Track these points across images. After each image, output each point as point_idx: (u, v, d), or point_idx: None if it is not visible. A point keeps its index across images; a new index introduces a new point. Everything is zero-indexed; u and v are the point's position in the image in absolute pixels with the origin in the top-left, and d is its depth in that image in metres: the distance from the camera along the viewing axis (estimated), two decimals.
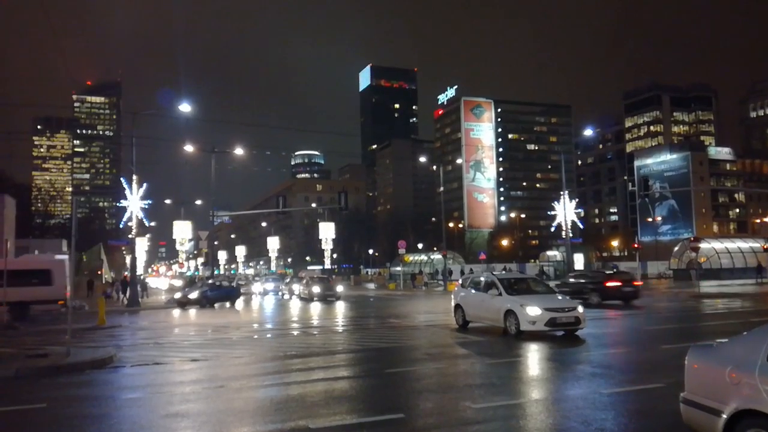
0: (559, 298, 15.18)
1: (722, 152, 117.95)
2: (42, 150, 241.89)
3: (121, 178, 34.23)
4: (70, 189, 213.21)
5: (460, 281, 18.98)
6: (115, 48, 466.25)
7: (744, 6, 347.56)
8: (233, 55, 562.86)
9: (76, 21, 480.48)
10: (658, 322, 18.51)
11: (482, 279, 16.71)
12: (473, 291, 16.60)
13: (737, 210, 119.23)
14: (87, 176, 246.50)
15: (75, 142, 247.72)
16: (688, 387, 5.22)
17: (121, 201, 32.08)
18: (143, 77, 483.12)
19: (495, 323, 15.21)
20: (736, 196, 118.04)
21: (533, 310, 13.89)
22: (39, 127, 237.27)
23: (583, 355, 11.99)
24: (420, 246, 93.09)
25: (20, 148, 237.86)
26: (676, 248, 52.50)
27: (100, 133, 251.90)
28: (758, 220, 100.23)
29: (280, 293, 43.88)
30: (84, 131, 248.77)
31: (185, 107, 31.21)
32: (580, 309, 14.25)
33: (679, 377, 9.32)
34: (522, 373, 10.53)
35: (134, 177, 31.42)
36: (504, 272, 31.37)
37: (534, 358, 11.91)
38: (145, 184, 31.60)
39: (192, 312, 28.07)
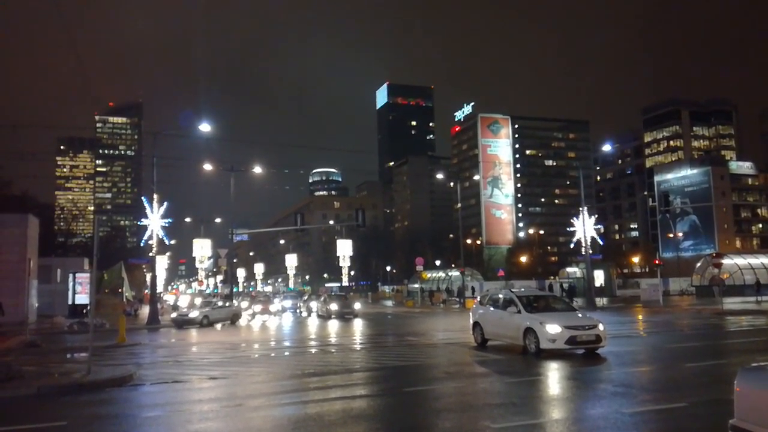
0: (579, 315, 14.91)
1: (744, 167, 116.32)
2: (65, 170, 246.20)
3: (142, 198, 34.61)
4: (92, 208, 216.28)
5: (479, 299, 18.83)
6: (137, 69, 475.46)
7: (763, 19, 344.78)
8: (252, 74, 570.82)
9: (98, 43, 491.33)
10: (682, 339, 18.20)
11: (501, 296, 16.50)
12: (492, 308, 16.42)
13: (760, 225, 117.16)
14: (109, 195, 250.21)
15: (97, 162, 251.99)
16: (738, 413, 4.81)
17: (142, 220, 32.42)
18: (164, 97, 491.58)
19: (514, 341, 15.03)
20: (758, 211, 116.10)
21: (553, 328, 13.68)
22: (62, 147, 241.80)
23: (604, 374, 11.81)
24: (438, 263, 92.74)
25: (44, 168, 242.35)
26: (699, 264, 51.82)
27: (122, 153, 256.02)
28: None
29: (297, 311, 43.90)
30: (106, 151, 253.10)
31: (205, 127, 31.61)
32: (601, 327, 14.00)
33: (703, 396, 9.19)
34: (542, 392, 10.40)
35: (155, 196, 31.80)
36: (525, 289, 31.11)
37: (554, 377, 11.76)
38: (165, 203, 31.95)
39: (211, 329, 28.17)
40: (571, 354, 14.17)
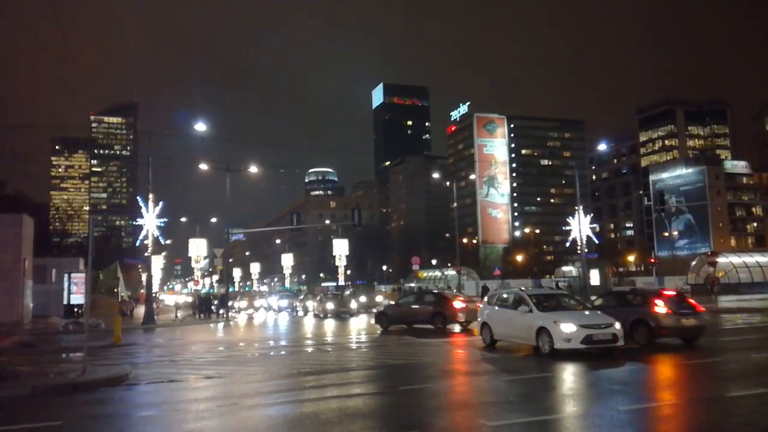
0: (594, 314, 14.40)
1: (738, 166, 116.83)
2: (60, 170, 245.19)
3: (138, 197, 34.51)
4: (88, 208, 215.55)
5: (486, 298, 18.61)
6: (133, 69, 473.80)
7: (758, 19, 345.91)
8: (247, 74, 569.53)
9: (94, 42, 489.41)
10: None
11: (510, 295, 16.03)
12: (501, 308, 15.91)
13: (755, 224, 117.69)
14: (104, 195, 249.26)
15: (92, 161, 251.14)
16: None
17: (138, 219, 32.33)
18: (160, 97, 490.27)
19: (526, 341, 14.55)
20: (753, 209, 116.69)
21: (568, 327, 13.14)
22: (57, 147, 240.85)
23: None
24: (434, 262, 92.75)
25: (39, 168, 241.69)
26: (694, 263, 51.85)
27: (117, 152, 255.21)
28: None
29: (294, 310, 43.84)
30: (101, 151, 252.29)
31: (201, 126, 31.60)
32: (617, 326, 13.44)
33: (699, 394, 9.22)
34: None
35: (150, 196, 31.70)
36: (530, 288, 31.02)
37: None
38: (161, 203, 31.85)
39: (207, 329, 28.15)
40: (586, 353, 13.37)
